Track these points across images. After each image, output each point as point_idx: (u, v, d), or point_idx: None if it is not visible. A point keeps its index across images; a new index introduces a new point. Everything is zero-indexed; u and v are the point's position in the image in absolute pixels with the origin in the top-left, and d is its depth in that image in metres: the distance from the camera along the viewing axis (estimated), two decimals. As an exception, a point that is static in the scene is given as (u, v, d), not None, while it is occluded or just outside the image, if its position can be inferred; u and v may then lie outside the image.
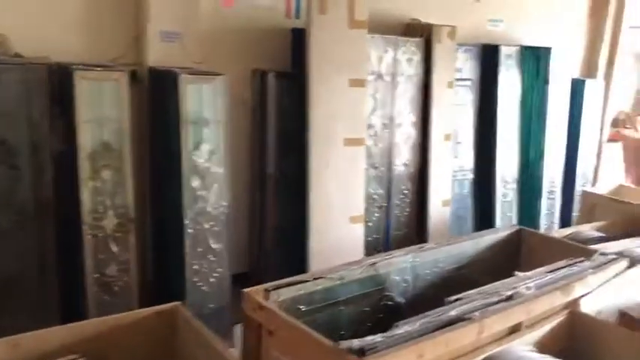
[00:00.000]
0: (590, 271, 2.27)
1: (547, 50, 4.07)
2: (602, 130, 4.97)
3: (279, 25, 3.13)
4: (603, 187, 4.01)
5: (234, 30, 3.00)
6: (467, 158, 3.91)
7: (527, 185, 4.20)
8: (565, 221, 4.41)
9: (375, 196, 3.37)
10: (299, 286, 1.97)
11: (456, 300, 1.93)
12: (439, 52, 3.45)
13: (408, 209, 3.54)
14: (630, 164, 5.20)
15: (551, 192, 4.28)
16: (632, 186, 4.07)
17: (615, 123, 5.47)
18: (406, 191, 3.52)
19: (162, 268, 2.72)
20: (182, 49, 2.70)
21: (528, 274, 2.19)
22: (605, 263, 2.37)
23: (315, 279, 1.99)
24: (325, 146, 2.97)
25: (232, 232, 2.86)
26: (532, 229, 2.77)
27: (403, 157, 3.47)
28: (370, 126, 3.27)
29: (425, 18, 3.60)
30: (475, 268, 2.59)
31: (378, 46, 3.21)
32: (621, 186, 4.02)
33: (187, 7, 2.71)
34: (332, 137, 2.98)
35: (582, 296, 2.18)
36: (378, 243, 3.42)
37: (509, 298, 1.95)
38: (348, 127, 3.03)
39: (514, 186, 4.15)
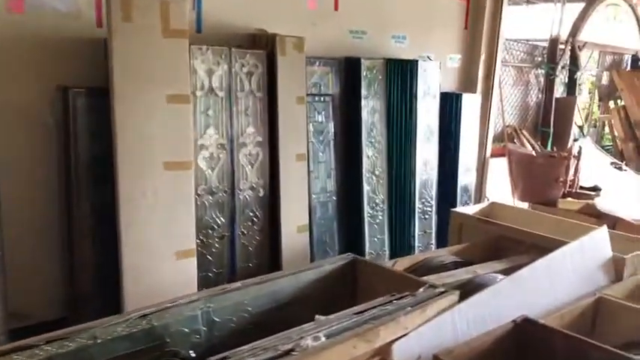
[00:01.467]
0: (409, 309, 2.00)
1: (414, 63, 3.87)
2: (484, 144, 4.84)
3: (90, 35, 2.75)
4: (474, 206, 3.82)
5: (28, 41, 2.60)
6: (330, 179, 3.63)
7: (399, 205, 3.97)
8: (444, 242, 4.19)
9: (215, 226, 3.02)
10: (31, 351, 1.58)
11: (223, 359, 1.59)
12: (284, 65, 3.16)
13: (257, 238, 3.21)
14: (516, 179, 5.10)
15: (424, 212, 4.07)
16: (505, 204, 3.90)
17: (502, 137, 5.38)
18: (255, 218, 3.19)
19: None
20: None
21: (331, 317, 1.89)
22: (431, 298, 2.11)
23: (50, 341, 1.60)
24: (139, 172, 2.60)
25: (30, 276, 2.45)
26: (365, 259, 2.49)
27: (249, 181, 3.15)
28: (203, 147, 2.93)
29: (279, 29, 3.31)
30: (300, 309, 2.27)
31: (207, 58, 2.89)
32: (494, 204, 3.84)
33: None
34: (148, 161, 2.62)
35: (395, 340, 1.90)
36: (222, 278, 3.06)
37: (289, 352, 1.63)
38: (168, 150, 2.67)
39: (384, 207, 3.90)
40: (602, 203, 4.65)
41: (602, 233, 2.81)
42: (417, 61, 3.87)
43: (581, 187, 5.06)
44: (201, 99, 2.89)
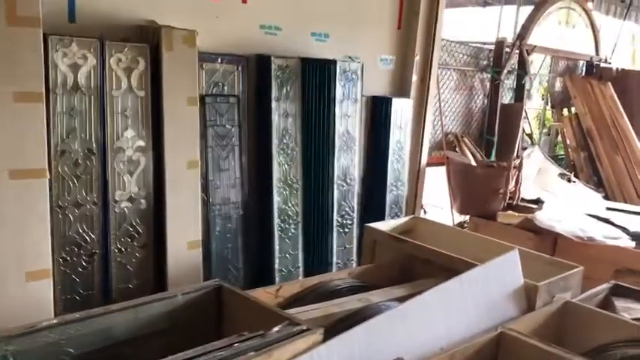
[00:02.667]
0: (251, 354, 1.69)
1: (332, 63, 3.58)
2: (419, 153, 4.57)
3: None
4: (394, 220, 3.54)
5: None
6: (234, 188, 3.32)
7: (315, 218, 3.68)
8: (368, 258, 3.91)
9: (82, 242, 2.69)
10: None
11: None
12: (171, 61, 2.84)
13: (138, 255, 2.89)
14: (455, 190, 4.84)
15: (344, 225, 3.78)
16: (429, 218, 3.64)
17: (443, 145, 5.13)
18: (135, 233, 2.86)
19: None
20: None
21: (145, 368, 1.58)
22: (286, 338, 1.81)
23: None
24: (-23, 181, 2.26)
25: None
26: (231, 286, 2.17)
27: (128, 191, 2.82)
28: (65, 152, 2.59)
29: (175, 22, 2.99)
30: (146, 350, 1.96)
31: (71, 50, 2.56)
32: (415, 218, 3.57)
33: None
34: (-12, 169, 2.28)
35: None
36: (92, 300, 2.73)
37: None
38: (15, 156, 2.34)
39: (298, 220, 3.61)
40: (541, 218, 4.41)
41: (511, 257, 2.55)
42: (335, 61, 3.58)
43: (523, 200, 4.83)
44: (62, 97, 2.55)
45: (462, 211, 4.87)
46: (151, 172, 2.89)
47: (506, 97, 5.74)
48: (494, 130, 5.30)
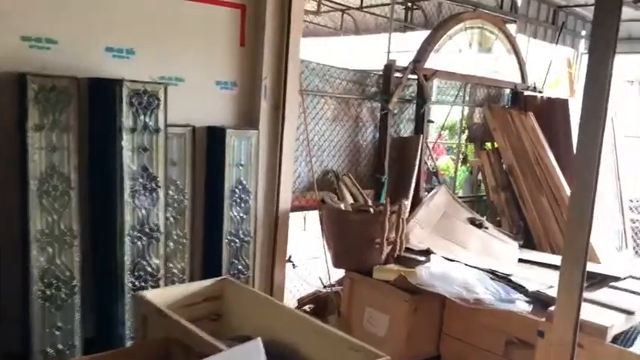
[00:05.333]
0: None
1: (118, 83, 2.90)
2: (277, 195, 3.90)
3: None
4: (192, 284, 2.82)
5: None
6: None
7: (101, 281, 2.96)
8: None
9: None
10: None
11: None
12: None
13: None
14: (329, 238, 4.14)
15: (142, 289, 3.05)
16: (240, 283, 2.92)
17: (314, 186, 4.44)
18: None
19: None
20: None
21: None
22: None
23: None
24: None
25: None
26: None
27: None
28: None
29: None
30: None
31: None
32: (225, 281, 2.86)
33: None
34: None
35: None
36: None
37: None
38: None
39: (74, 283, 2.88)
40: (421, 274, 3.71)
41: (250, 348, 1.83)
42: (120, 81, 2.91)
43: (409, 250, 4.14)
44: None
45: (336, 265, 4.16)
46: None
47: (405, 130, 5.10)
48: (384, 168, 4.64)
